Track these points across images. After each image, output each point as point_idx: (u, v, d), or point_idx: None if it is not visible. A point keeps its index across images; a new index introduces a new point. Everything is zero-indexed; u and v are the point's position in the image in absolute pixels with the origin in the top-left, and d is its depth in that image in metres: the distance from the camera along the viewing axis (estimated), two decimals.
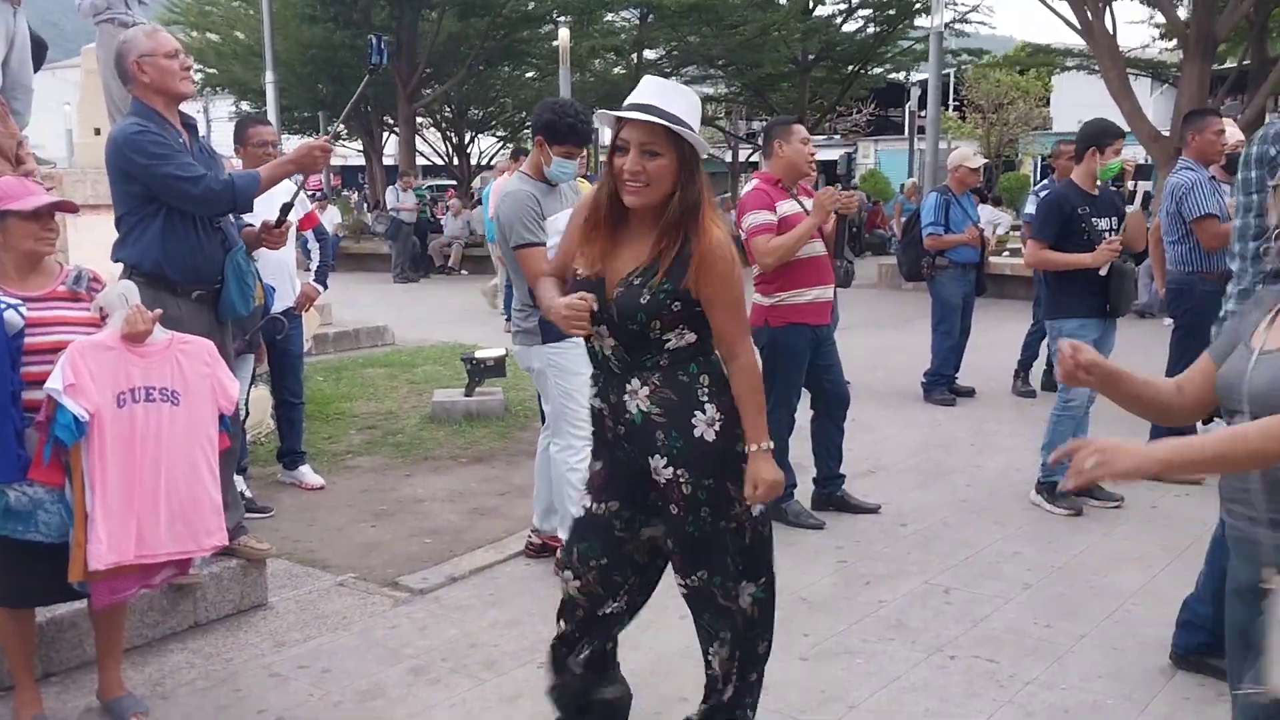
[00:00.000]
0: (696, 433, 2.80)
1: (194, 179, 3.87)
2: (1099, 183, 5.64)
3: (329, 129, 11.39)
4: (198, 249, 4.03)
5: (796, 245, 5.11)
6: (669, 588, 4.54)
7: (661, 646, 4.01)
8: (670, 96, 2.75)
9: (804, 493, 5.56)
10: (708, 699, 3.13)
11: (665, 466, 2.83)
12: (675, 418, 2.81)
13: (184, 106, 4.17)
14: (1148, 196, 5.47)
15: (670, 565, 3.01)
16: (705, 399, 2.81)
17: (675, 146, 2.71)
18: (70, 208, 3.36)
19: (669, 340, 2.80)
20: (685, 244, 2.75)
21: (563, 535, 4.71)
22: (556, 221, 4.49)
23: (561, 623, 3.11)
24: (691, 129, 2.73)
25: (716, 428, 2.81)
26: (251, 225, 4.50)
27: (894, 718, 3.49)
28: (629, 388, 2.84)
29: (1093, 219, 5.45)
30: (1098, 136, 5.60)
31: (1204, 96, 15.79)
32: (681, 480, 2.83)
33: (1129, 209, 5.77)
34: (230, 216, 4.23)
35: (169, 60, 3.95)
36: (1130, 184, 8.24)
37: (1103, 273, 5.40)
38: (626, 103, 2.76)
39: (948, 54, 25.32)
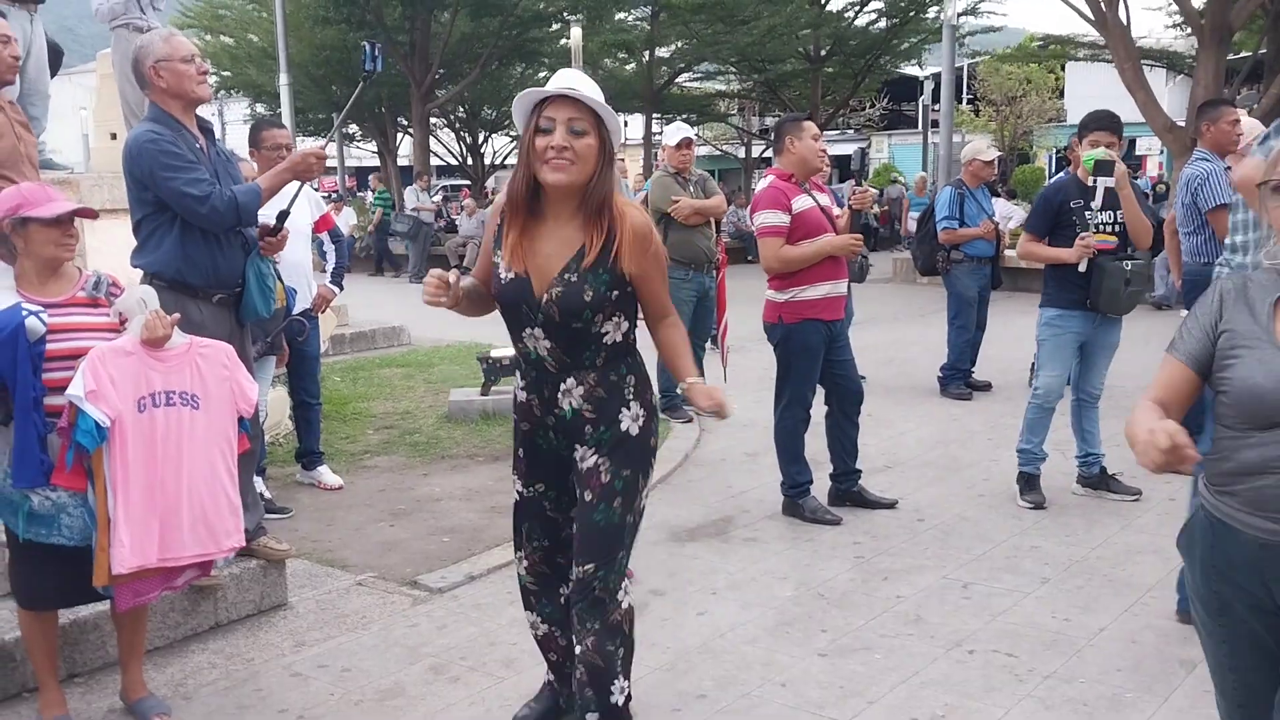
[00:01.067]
0: (623, 427, 2.96)
1: (201, 198, 3.88)
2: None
3: (327, 135, 11.42)
4: (218, 253, 4.05)
5: (805, 262, 5.13)
6: (685, 583, 4.57)
7: (679, 644, 4.02)
8: (588, 85, 2.83)
9: (820, 488, 5.56)
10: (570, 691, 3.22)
11: (591, 454, 2.96)
12: (604, 413, 2.96)
13: (199, 110, 4.19)
14: (1112, 194, 5.36)
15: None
16: (631, 397, 2.98)
17: (598, 129, 2.80)
18: (90, 214, 3.38)
19: (606, 334, 2.91)
20: (609, 230, 2.85)
21: None
22: None
23: (531, 615, 3.33)
24: (605, 107, 2.81)
25: (640, 423, 2.99)
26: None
27: (913, 712, 3.49)
28: (564, 386, 2.96)
29: (1086, 212, 5.42)
30: (1080, 127, 5.62)
31: (1219, 86, 15.68)
32: (602, 468, 2.95)
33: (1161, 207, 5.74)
34: None
35: (185, 65, 3.97)
36: (1145, 178, 8.22)
37: (1081, 268, 5.36)
38: (545, 88, 2.82)
39: (963, 38, 25.16)
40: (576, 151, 2.77)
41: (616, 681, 2.99)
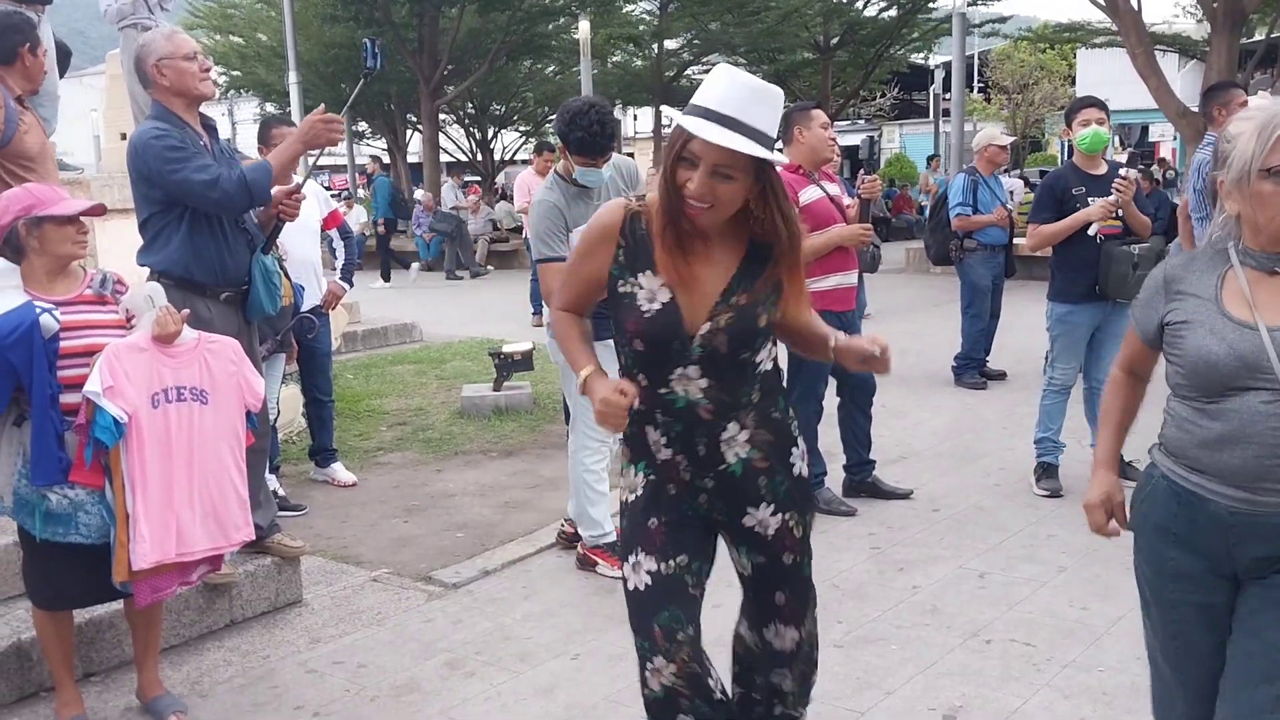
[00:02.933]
0: (795, 470, 2.58)
1: (210, 182, 3.86)
2: (1106, 162, 5.62)
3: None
4: (224, 251, 4.04)
5: (814, 254, 5.10)
6: (709, 585, 4.54)
7: None
8: (755, 105, 2.25)
9: (835, 480, 5.54)
10: None
11: (774, 514, 2.55)
12: (778, 459, 2.53)
13: (207, 108, 4.18)
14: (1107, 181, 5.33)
15: (757, 619, 2.72)
16: (796, 434, 2.60)
17: (753, 168, 2.30)
18: (99, 210, 3.38)
19: (761, 362, 2.49)
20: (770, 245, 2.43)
21: (583, 532, 4.71)
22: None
23: None
24: (772, 142, 2.30)
25: (805, 460, 2.62)
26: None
27: (930, 703, 3.47)
28: (724, 435, 2.46)
29: (1089, 199, 5.40)
30: (1067, 113, 5.61)
31: (1233, 70, 15.58)
32: (792, 524, 2.58)
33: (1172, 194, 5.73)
34: (251, 214, 4.23)
35: (188, 62, 3.96)
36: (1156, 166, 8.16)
37: (1091, 232, 5.35)
38: (701, 104, 2.27)
39: (973, 27, 25.03)
40: (718, 197, 2.29)
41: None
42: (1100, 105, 5.52)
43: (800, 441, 2.61)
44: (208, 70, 4.07)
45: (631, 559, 2.53)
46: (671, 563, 2.51)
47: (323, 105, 4.18)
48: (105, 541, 3.25)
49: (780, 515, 2.56)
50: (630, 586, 2.53)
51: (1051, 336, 5.64)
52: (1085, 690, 3.52)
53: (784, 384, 2.64)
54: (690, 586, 2.53)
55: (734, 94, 2.25)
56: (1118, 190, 5.34)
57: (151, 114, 4.03)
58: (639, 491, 2.55)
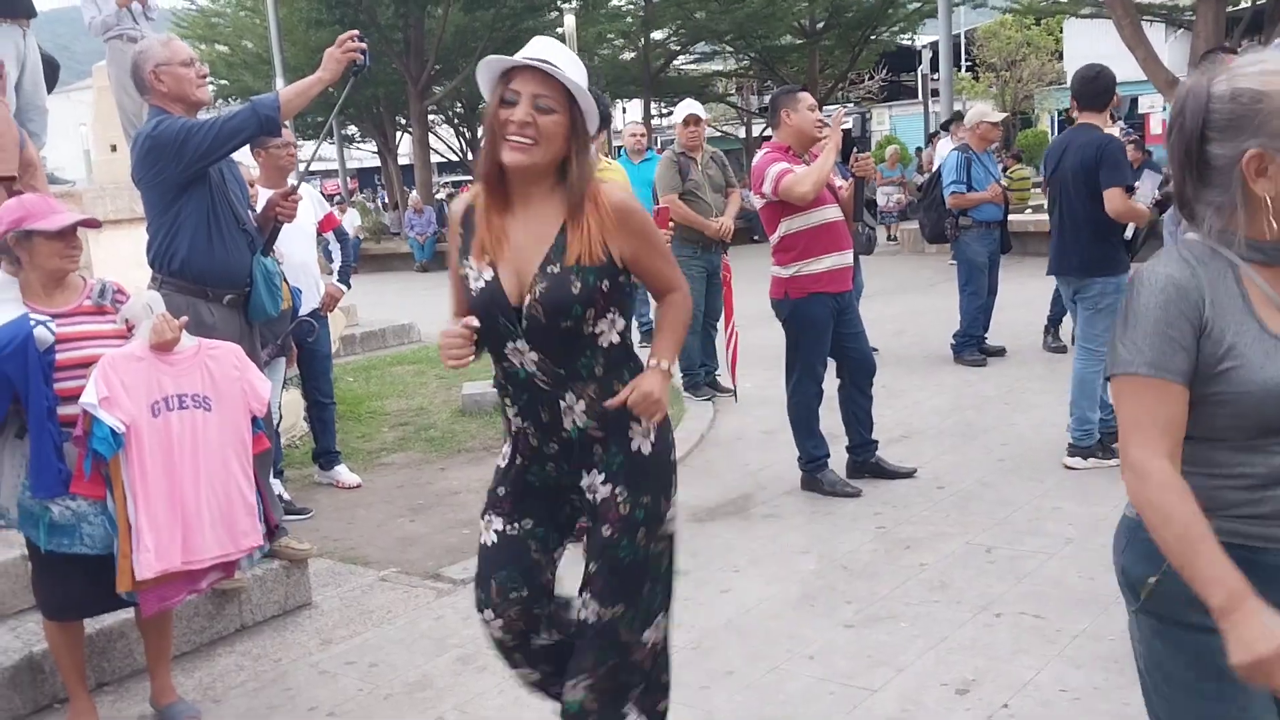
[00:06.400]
0: (634, 445, 2.58)
1: (219, 123, 3.90)
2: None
3: (322, 135, 11.45)
4: (227, 252, 4.05)
5: (826, 168, 5.06)
6: (706, 562, 4.56)
7: (704, 622, 4.02)
8: (567, 60, 2.45)
9: (838, 461, 5.54)
10: None
11: (604, 483, 2.58)
12: (613, 431, 2.56)
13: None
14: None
15: (587, 587, 2.65)
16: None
17: (569, 107, 2.43)
18: (93, 223, 3.38)
19: (601, 334, 2.52)
20: (590, 214, 2.50)
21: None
22: None
23: (520, 669, 2.80)
24: (584, 92, 2.45)
25: (652, 438, 2.60)
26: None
27: (943, 678, 3.48)
28: (564, 404, 2.53)
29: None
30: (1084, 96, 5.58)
31: (1220, 38, 15.54)
32: (619, 500, 2.57)
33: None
34: (250, 213, 4.24)
35: (185, 69, 3.99)
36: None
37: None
38: (519, 55, 2.44)
39: (958, 4, 25.00)
40: (540, 129, 2.39)
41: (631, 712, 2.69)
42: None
43: (644, 420, 2.55)
44: (204, 76, 4.10)
45: (485, 518, 2.72)
46: (516, 525, 2.67)
47: (317, 142, 4.27)
48: (110, 551, 3.25)
49: (609, 486, 2.59)
50: (481, 541, 2.72)
51: (1112, 309, 5.31)
52: (1096, 659, 3.53)
53: (634, 359, 2.61)
54: (533, 550, 2.68)
55: (549, 48, 2.46)
56: (855, 172, 5.37)
57: (149, 118, 4.04)
58: (504, 461, 2.71)
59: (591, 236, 2.47)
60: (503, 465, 2.71)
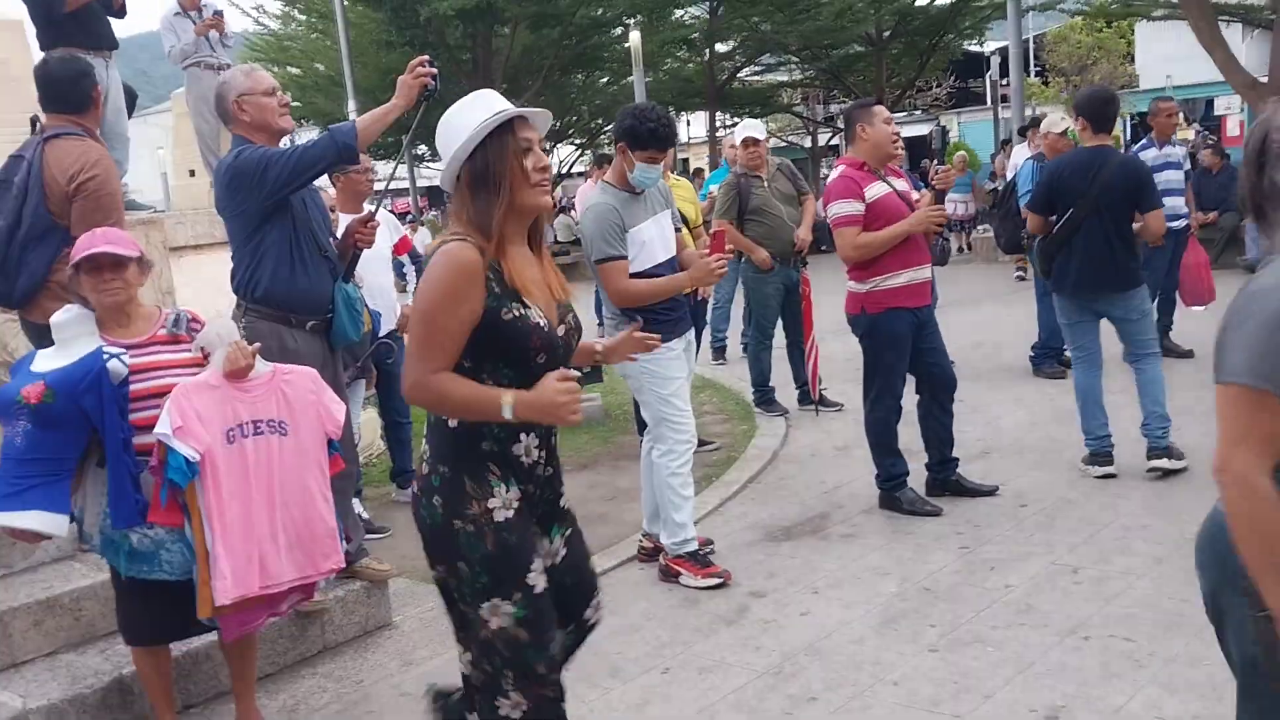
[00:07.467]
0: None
1: (298, 152, 3.96)
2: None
3: (397, 157, 11.55)
4: (309, 279, 4.10)
5: (884, 246, 5.04)
6: (784, 584, 4.50)
7: (784, 646, 3.97)
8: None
9: (918, 479, 5.45)
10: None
11: (564, 491, 2.80)
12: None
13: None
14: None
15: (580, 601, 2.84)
16: None
17: None
18: (123, 261, 3.28)
19: None
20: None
21: (665, 539, 4.69)
22: (640, 233, 4.49)
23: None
24: None
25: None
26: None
27: (1032, 704, 3.40)
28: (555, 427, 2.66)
29: None
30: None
31: None
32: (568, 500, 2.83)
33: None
34: (331, 240, 4.29)
35: (267, 98, 4.04)
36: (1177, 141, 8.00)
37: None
38: (489, 111, 2.49)
39: (1027, 10, 24.65)
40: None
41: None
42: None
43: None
44: (287, 105, 4.15)
45: (534, 564, 2.57)
46: (545, 578, 2.62)
47: (392, 164, 4.33)
48: (189, 577, 3.28)
49: (564, 491, 2.79)
50: (533, 588, 2.56)
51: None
52: (1192, 686, 3.42)
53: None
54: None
55: (494, 98, 2.56)
56: (936, 184, 5.29)
57: (233, 148, 4.11)
58: (515, 505, 2.55)
59: (552, 269, 2.66)
60: (513, 513, 2.54)
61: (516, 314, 2.48)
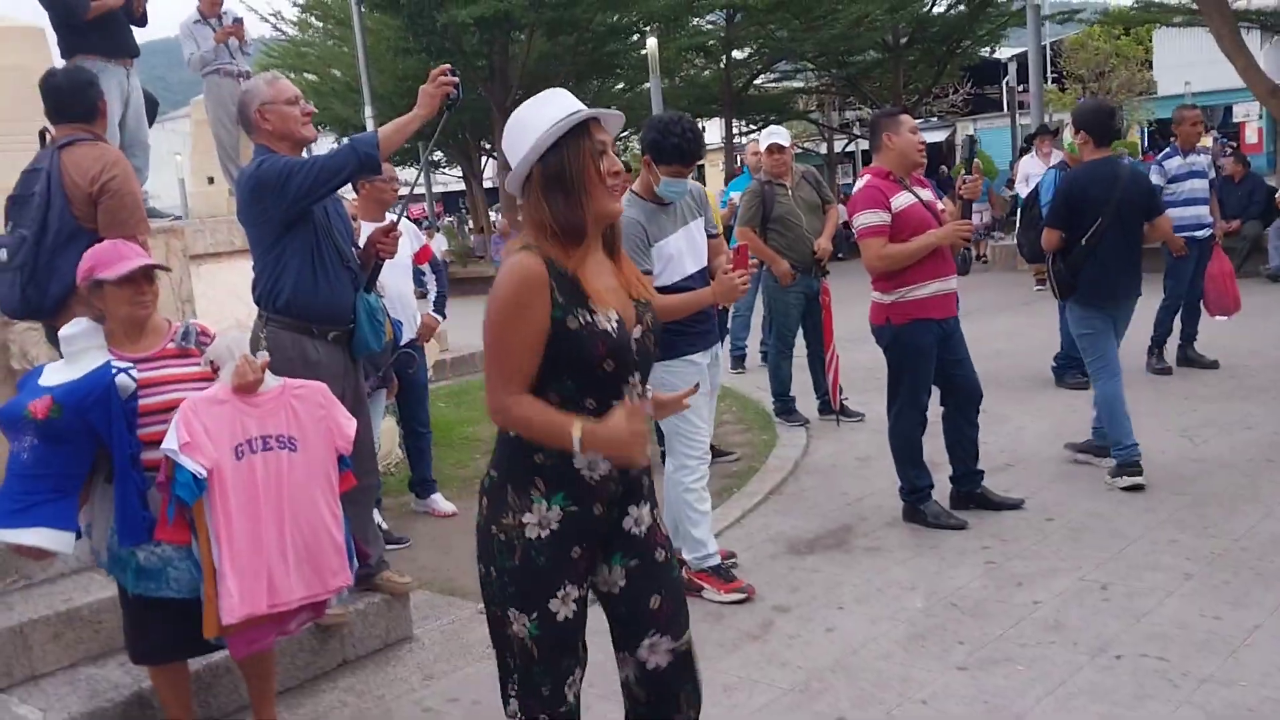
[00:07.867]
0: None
1: (319, 162, 3.92)
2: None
3: (419, 165, 11.52)
4: (331, 290, 4.07)
5: (911, 258, 4.99)
6: (809, 598, 4.44)
7: (810, 663, 3.92)
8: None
9: (942, 492, 5.40)
10: None
11: (646, 509, 2.57)
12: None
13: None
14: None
15: (633, 639, 2.60)
16: None
17: None
18: (161, 268, 3.33)
19: None
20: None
21: (686, 554, 4.64)
22: (666, 246, 4.44)
23: None
24: None
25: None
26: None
27: None
28: None
29: None
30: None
31: None
32: (658, 519, 2.61)
33: None
34: (353, 250, 4.26)
35: (289, 107, 4.02)
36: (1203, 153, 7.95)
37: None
38: (563, 112, 2.40)
39: (1045, 18, 24.56)
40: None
41: None
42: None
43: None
44: (309, 114, 4.11)
45: (560, 592, 2.46)
46: (573, 603, 2.49)
47: (418, 169, 4.26)
48: (196, 596, 3.23)
49: (649, 510, 2.58)
50: (556, 614, 2.47)
51: None
52: (1229, 706, 3.35)
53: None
54: (580, 623, 2.56)
55: (567, 97, 2.45)
56: (963, 194, 5.18)
57: (255, 157, 4.09)
58: (554, 526, 2.44)
59: (630, 271, 2.55)
60: (550, 532, 2.43)
61: (583, 321, 2.37)
